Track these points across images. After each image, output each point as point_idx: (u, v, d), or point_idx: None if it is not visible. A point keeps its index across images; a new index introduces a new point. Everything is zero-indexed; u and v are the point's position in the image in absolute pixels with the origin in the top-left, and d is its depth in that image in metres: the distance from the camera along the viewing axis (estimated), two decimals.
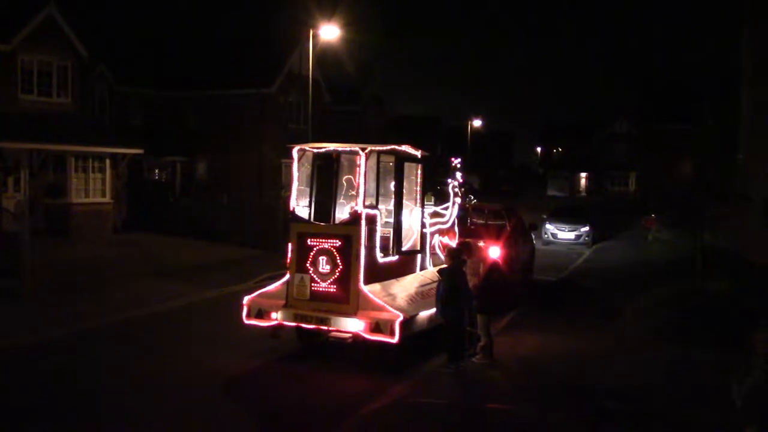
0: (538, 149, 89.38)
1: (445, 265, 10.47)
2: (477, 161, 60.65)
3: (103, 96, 30.77)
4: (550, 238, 27.71)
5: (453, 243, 12.15)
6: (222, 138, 32.34)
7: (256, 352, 10.86)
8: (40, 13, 22.63)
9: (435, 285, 10.88)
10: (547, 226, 27.94)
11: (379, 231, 10.43)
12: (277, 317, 10.24)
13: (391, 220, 11.05)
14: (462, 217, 13.74)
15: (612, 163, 70.62)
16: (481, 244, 12.45)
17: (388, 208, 11.43)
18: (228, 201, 25.06)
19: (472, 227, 15.36)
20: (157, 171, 33.33)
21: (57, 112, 23.18)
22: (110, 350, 11.21)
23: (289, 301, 10.29)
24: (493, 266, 11.02)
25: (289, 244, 10.45)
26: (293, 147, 10.89)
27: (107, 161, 23.66)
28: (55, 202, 22.50)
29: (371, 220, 10.17)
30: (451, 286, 9.82)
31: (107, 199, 23.75)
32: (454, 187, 12.53)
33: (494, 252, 13.70)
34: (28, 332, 11.90)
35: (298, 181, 10.89)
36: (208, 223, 24.58)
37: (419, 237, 11.65)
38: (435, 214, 12.32)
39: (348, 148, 10.77)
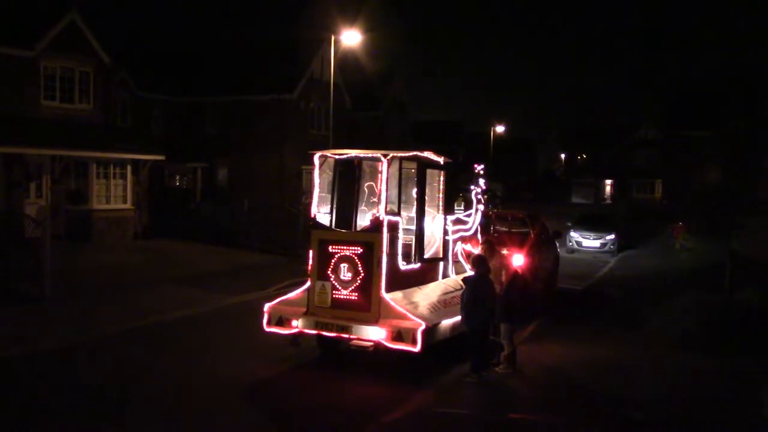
0: (562, 156, 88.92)
1: (470, 274, 10.44)
2: (500, 168, 60.37)
3: (125, 102, 31.15)
4: (575, 246, 27.56)
5: (476, 250, 12.14)
6: (243, 144, 32.56)
7: (277, 360, 10.88)
8: (63, 19, 22.94)
9: (458, 293, 10.87)
10: (572, 233, 27.80)
11: (401, 238, 10.42)
12: (297, 325, 10.27)
13: (413, 227, 11.05)
14: (485, 225, 13.70)
15: (637, 170, 70.05)
16: (504, 251, 12.42)
17: (410, 215, 11.41)
18: (248, 207, 25.18)
19: (496, 235, 15.32)
20: (178, 177, 33.65)
21: (79, 118, 23.47)
22: (131, 356, 11.29)
23: (310, 309, 10.32)
24: (517, 274, 10.99)
25: (310, 251, 10.47)
26: (314, 153, 10.95)
27: (128, 167, 23.92)
28: (76, 209, 22.77)
29: (393, 228, 10.18)
30: (477, 295, 9.80)
31: (128, 205, 24.00)
32: (477, 193, 12.51)
33: (518, 260, 13.64)
34: (48, 337, 12.03)
35: (320, 187, 10.93)
36: (229, 230, 24.75)
37: (442, 244, 11.63)
38: (457, 221, 12.29)
39: (370, 155, 10.79)
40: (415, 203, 11.10)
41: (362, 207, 11.48)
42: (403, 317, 9.73)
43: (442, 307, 10.62)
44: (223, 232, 24.73)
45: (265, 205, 26.74)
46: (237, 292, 16.67)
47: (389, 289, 10.02)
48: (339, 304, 10.15)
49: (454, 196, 12.26)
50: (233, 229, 24.82)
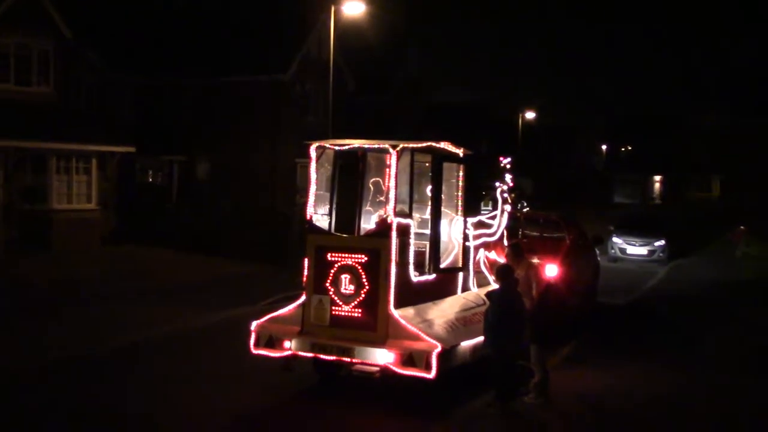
0: (604, 147, 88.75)
1: (494, 287, 10.41)
2: (530, 161, 60.26)
3: (90, 85, 31.19)
4: (618, 253, 27.51)
5: (501, 259, 12.09)
6: (227, 134, 32.59)
7: (267, 387, 10.88)
8: None
9: (479, 309, 10.86)
10: (615, 239, 27.75)
11: (413, 244, 10.41)
12: (290, 346, 10.26)
13: (428, 231, 11.03)
14: (512, 228, 13.67)
15: (692, 165, 69.87)
16: (535, 260, 12.37)
17: (423, 217, 11.39)
18: (234, 208, 25.29)
19: (525, 240, 15.28)
20: (151, 172, 33.71)
21: (36, 103, 23.55)
22: (94, 386, 11.28)
23: (305, 328, 10.31)
24: (550, 287, 10.97)
25: (306, 260, 10.46)
26: (311, 144, 10.94)
27: (94, 161, 24.01)
28: (33, 209, 22.83)
29: (404, 232, 10.16)
30: (503, 311, 9.76)
31: (93, 205, 24.09)
32: (502, 192, 12.48)
33: (551, 270, 13.57)
34: None
35: (317, 184, 10.92)
36: (211, 234, 24.82)
37: (461, 252, 11.61)
38: (480, 225, 12.28)
39: (376, 146, 10.78)
40: (429, 203, 11.08)
41: (367, 207, 11.47)
42: (415, 338, 9.70)
43: (462, 325, 10.59)
44: (204, 237, 24.79)
45: (253, 205, 26.85)
46: (219, 308, 16.69)
47: (399, 305, 10.00)
48: (339, 322, 10.13)
49: (476, 194, 12.24)
50: (216, 234, 24.88)
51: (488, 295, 10.29)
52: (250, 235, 24.27)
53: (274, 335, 10.41)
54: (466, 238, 11.70)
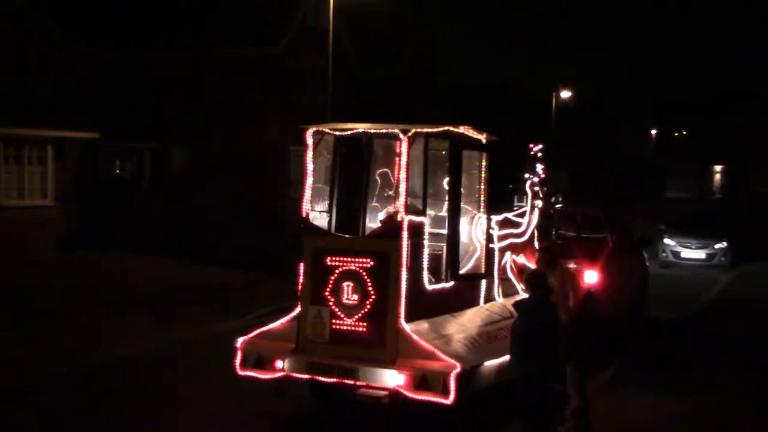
0: (653, 132, 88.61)
1: (523, 297, 10.42)
2: (566, 148, 60.14)
3: (44, 57, 31.20)
4: (671, 257, 27.46)
5: (532, 264, 12.10)
6: (208, 118, 32.63)
7: (255, 416, 10.94)
8: None
9: (506, 323, 10.88)
10: (666, 241, 27.70)
11: (427, 246, 10.46)
12: (283, 367, 10.30)
13: (445, 231, 11.08)
14: (544, 228, 13.69)
15: (761, 151, 69.64)
16: (571, 265, 12.38)
17: (439, 214, 11.44)
18: (216, 204, 25.39)
19: (559, 242, 15.31)
20: (119, 163, 33.80)
21: None
22: (52, 414, 11.34)
23: (301, 345, 10.36)
24: (589, 297, 10.99)
25: (301, 265, 10.52)
26: (307, 129, 10.97)
27: (50, 149, 24.06)
28: None
29: (417, 231, 10.20)
30: (533, 326, 9.76)
31: (49, 201, 24.15)
32: (533, 185, 12.50)
33: (590, 277, 13.59)
34: None
35: (314, 176, 10.95)
36: (190, 235, 24.89)
37: (484, 255, 11.64)
38: (507, 223, 12.32)
39: (384, 131, 10.82)
40: (446, 198, 11.14)
41: (373, 203, 11.52)
42: (430, 356, 9.73)
43: (485, 342, 10.64)
44: (182, 239, 24.88)
45: (239, 201, 26.91)
46: (200, 322, 16.77)
47: (411, 317, 10.05)
48: (341, 338, 10.18)
49: (502, 187, 12.26)
50: (196, 235, 24.95)
51: (516, 306, 10.26)
52: (236, 236, 24.38)
53: (264, 354, 10.45)
54: (489, 239, 11.73)
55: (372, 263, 10.13)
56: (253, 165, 31.92)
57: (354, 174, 11.30)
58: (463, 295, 11.27)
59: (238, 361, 10.58)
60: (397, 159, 10.35)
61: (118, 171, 33.63)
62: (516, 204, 12.69)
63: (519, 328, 9.83)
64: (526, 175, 12.56)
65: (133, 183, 32.76)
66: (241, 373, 10.59)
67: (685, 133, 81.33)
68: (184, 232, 25.12)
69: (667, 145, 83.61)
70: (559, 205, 15.60)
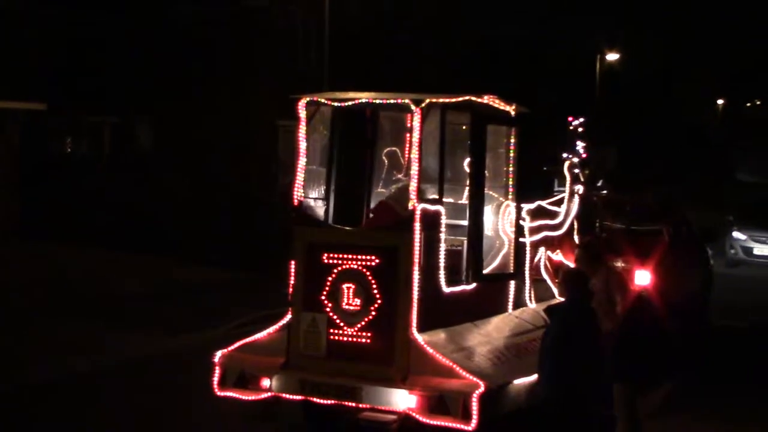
0: (720, 103, 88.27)
1: (559, 301, 10.42)
2: (613, 122, 59.92)
3: None
4: (740, 254, 27.35)
5: (570, 262, 12.11)
6: (180, 85, 32.58)
7: None
8: None
9: (538, 333, 10.84)
10: (736, 235, 27.57)
11: (445, 241, 10.48)
12: (270, 386, 10.32)
13: (466, 222, 11.12)
14: (586, 218, 13.69)
15: None
16: (618, 264, 12.39)
17: (459, 202, 11.49)
18: (190, 189, 25.37)
19: (604, 235, 15.30)
20: (71, 139, 33.77)
21: None
22: None
23: (292, 359, 10.37)
24: (641, 302, 10.98)
25: (293, 263, 10.54)
26: (299, 99, 10.97)
27: None
28: None
29: (432, 223, 10.21)
30: (570, 336, 9.77)
31: None
32: (572, 166, 12.49)
33: (642, 278, 13.59)
34: None
35: (308, 156, 10.94)
36: (160, 226, 24.87)
37: (513, 251, 11.67)
38: (540, 213, 12.34)
39: (392, 101, 10.81)
40: (467, 182, 11.17)
41: (379, 189, 11.60)
42: (447, 373, 9.74)
43: (514, 356, 10.67)
44: (149, 231, 24.86)
45: (217, 185, 26.90)
46: (171, 331, 16.81)
47: (425, 326, 10.06)
48: (340, 352, 10.19)
49: (535, 170, 12.26)
50: (165, 226, 24.95)
51: (548, 311, 10.28)
52: (214, 228, 24.35)
53: (248, 370, 10.46)
54: (519, 231, 11.75)
55: (378, 261, 10.12)
56: (235, 144, 31.91)
57: (356, 153, 11.35)
58: (488, 300, 11.29)
59: (216, 379, 10.56)
60: (408, 135, 10.37)
61: (70, 149, 33.53)
62: (557, 189, 12.66)
63: (551, 339, 9.81)
64: (565, 155, 12.57)
65: (90, 163, 32.68)
66: (219, 393, 10.58)
67: (759, 103, 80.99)
68: (152, 223, 25.09)
69: (737, 118, 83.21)
70: (604, 191, 15.53)
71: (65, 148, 33.41)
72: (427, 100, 10.27)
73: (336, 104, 11.06)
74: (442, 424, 9.63)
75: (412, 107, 10.18)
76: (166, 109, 33.02)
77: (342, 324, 10.21)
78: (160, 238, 24.59)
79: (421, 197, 10.17)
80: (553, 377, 9.72)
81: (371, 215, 11.10)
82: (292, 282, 10.54)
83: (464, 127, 11.21)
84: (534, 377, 10.26)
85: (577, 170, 12.54)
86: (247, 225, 23.95)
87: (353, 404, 10.10)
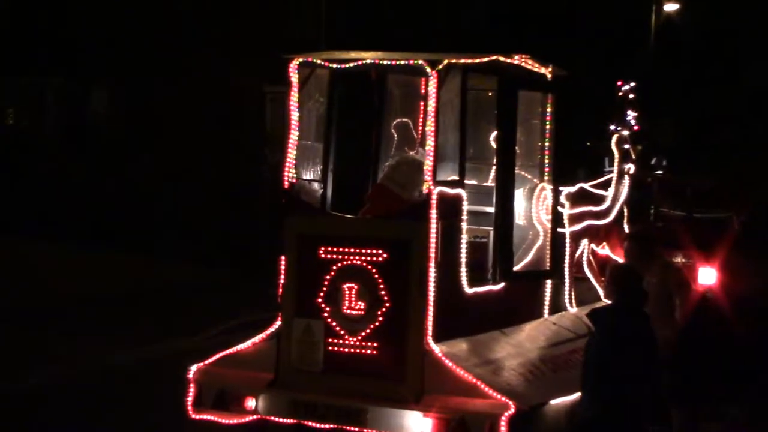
0: None
1: (604, 304, 10.41)
2: (671, 88, 59.67)
3: None
4: None
5: (619, 257, 12.11)
6: (144, 43, 32.61)
7: None
8: None
9: (580, 343, 10.82)
10: None
11: (467, 232, 10.51)
12: (256, 407, 10.34)
13: (492, 209, 11.12)
14: (638, 204, 13.68)
15: None
16: (678, 259, 12.38)
17: (484, 184, 11.53)
18: (157, 169, 25.37)
19: (660, 225, 15.28)
20: (12, 110, 33.75)
21: None
22: None
23: (282, 375, 10.38)
24: (705, 306, 10.98)
25: (282, 259, 10.56)
26: (291, 59, 10.95)
27: None
28: None
29: (451, 209, 10.21)
30: (617, 345, 9.76)
31: None
32: (622, 141, 12.48)
33: (706, 277, 13.57)
34: None
35: (301, 129, 10.92)
36: (121, 216, 24.88)
37: (549, 244, 11.68)
38: (583, 198, 12.35)
39: (402, 61, 10.82)
40: (494, 161, 11.19)
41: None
42: (470, 391, 9.73)
43: (550, 371, 10.70)
44: (108, 221, 24.89)
45: (193, 166, 26.91)
46: (135, 341, 16.88)
47: (443, 335, 10.06)
48: (340, 366, 10.19)
49: (576, 146, 12.23)
50: (130, 215, 24.97)
51: (592, 315, 10.24)
52: (190, 218, 24.36)
53: (229, 388, 10.47)
54: (558, 220, 11.76)
55: (386, 256, 10.08)
56: (212, 113, 31.89)
57: (359, 126, 11.33)
58: (519, 303, 11.32)
59: (190, 398, 10.58)
60: (422, 104, 10.35)
61: (6, 120, 33.46)
62: (606, 169, 12.61)
63: (596, 350, 9.79)
64: (612, 127, 12.52)
65: (31, 137, 32.55)
66: (194, 415, 10.60)
67: None
68: (115, 213, 25.12)
69: None
70: (659, 171, 15.49)
71: (7, 119, 33.34)
72: (446, 61, 10.22)
73: (335, 66, 11.03)
74: None
75: (427, 69, 10.13)
76: (127, 71, 32.95)
77: (342, 332, 10.18)
78: (123, 230, 24.59)
79: (438, 179, 10.16)
80: (597, 396, 9.72)
81: (367, 202, 11.05)
82: (281, 281, 10.54)
83: (490, 94, 11.22)
84: (575, 396, 10.24)
85: (627, 146, 12.50)
86: (228, 214, 23.92)
87: (356, 429, 10.12)
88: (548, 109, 11.57)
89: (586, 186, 12.63)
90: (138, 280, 21.75)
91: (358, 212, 11.00)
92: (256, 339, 10.77)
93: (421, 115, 10.48)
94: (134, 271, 22.47)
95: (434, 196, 9.99)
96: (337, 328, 10.20)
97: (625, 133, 12.47)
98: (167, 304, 19.74)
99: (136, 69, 32.52)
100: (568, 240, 11.97)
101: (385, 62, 10.92)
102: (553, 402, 10.27)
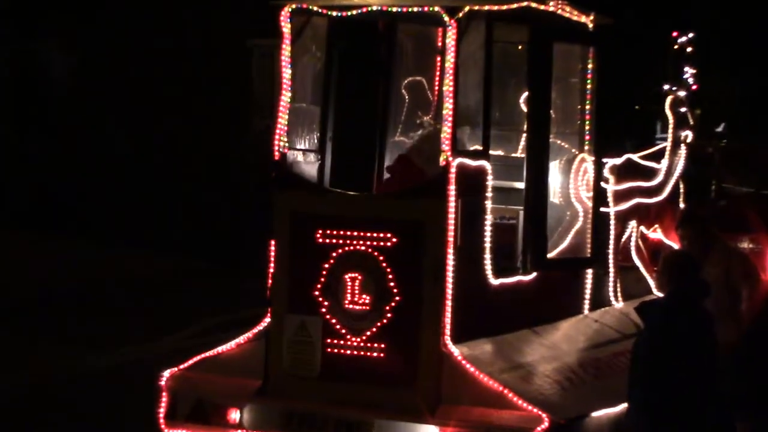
0: None
1: (656, 297, 10.40)
2: (736, 40, 59.44)
3: None
4: None
5: (674, 243, 12.09)
6: None
7: None
8: None
9: (627, 344, 10.82)
10: None
11: (492, 212, 10.50)
12: (241, 420, 10.37)
13: (521, 185, 11.15)
14: (697, 178, 13.67)
15: None
16: (745, 245, 12.39)
17: (513, 155, 11.53)
18: (130, 143, 25.46)
19: (722, 203, 15.25)
20: None
21: None
22: None
23: (272, 382, 10.41)
24: None
25: (272, 244, 10.56)
26: (282, 6, 10.91)
27: None
28: None
29: (473, 185, 10.22)
30: (671, 347, 9.75)
31: None
32: (677, 103, 12.44)
33: None
34: None
35: (294, 89, 10.93)
36: (83, 197, 24.92)
37: (591, 227, 11.67)
38: (631, 171, 12.34)
39: (416, 8, 10.81)
40: (525, 128, 11.19)
41: (396, 137, 11.67)
42: (495, 401, 9.76)
43: (591, 377, 10.73)
44: (62, 201, 24.94)
45: (165, 136, 26.92)
46: (103, 342, 16.95)
47: (464, 334, 10.10)
48: (341, 371, 10.23)
49: (623, 108, 12.20)
50: (91, 196, 25.01)
51: (642, 311, 10.22)
52: (163, 197, 24.39)
53: (208, 398, 10.52)
54: (601, 198, 11.75)
55: (395, 240, 10.10)
56: (190, 74, 31.87)
57: (363, 86, 11.30)
58: (554, 296, 11.33)
59: (162, 410, 10.61)
60: (439, 59, 10.31)
61: None
62: (658, 137, 12.56)
63: (645, 350, 9.78)
64: (666, 87, 12.48)
65: None
66: (167, 430, 10.62)
67: None
68: (76, 193, 25.17)
69: None
70: (723, 140, 15.42)
71: None
72: (467, 8, 10.21)
73: (335, 14, 11.01)
74: None
75: (445, 18, 10.14)
76: (90, 26, 32.99)
77: (344, 331, 10.21)
78: (88, 214, 24.62)
79: (458, 148, 10.16)
80: (647, 408, 9.71)
81: (387, 176, 11.04)
82: (271, 271, 10.55)
83: (520, 47, 11.19)
84: (621, 408, 10.26)
85: (684, 109, 12.45)
86: (208, 192, 23.92)
87: None
88: (589, 65, 11.55)
89: (635, 157, 12.57)
90: (101, 273, 21.80)
91: (362, 189, 10.99)
92: (241, 339, 10.81)
93: (438, 73, 10.42)
94: (96, 263, 22.51)
95: (453, 169, 9.98)
96: (338, 327, 10.23)
97: (682, 93, 12.41)
98: (135, 300, 19.81)
99: (96, 24, 32.57)
100: (612, 221, 11.96)
101: (394, 9, 10.94)
102: (594, 414, 10.29)
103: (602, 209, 11.75)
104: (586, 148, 11.61)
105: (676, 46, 12.39)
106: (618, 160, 12.18)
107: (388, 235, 10.13)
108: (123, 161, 26.91)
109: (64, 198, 25.43)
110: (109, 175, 26.01)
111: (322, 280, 10.26)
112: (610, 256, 11.98)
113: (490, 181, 10.44)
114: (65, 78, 33.51)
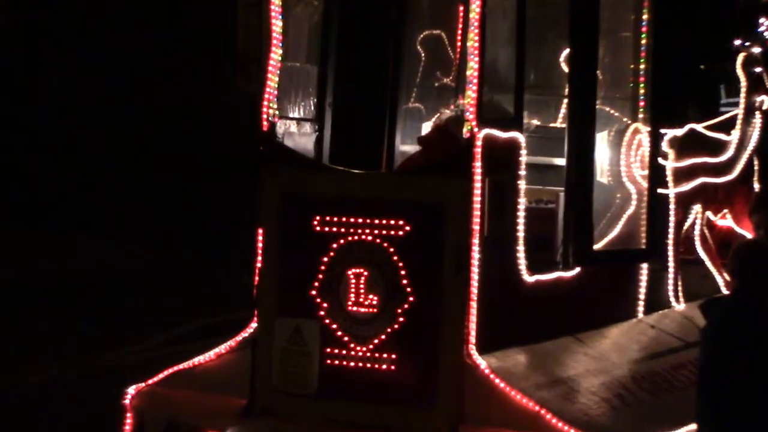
0: None
1: (723, 295, 10.30)
2: None
3: None
4: None
5: (747, 232, 12.02)
6: None
7: None
8: None
9: (690, 354, 10.78)
10: None
11: (526, 194, 10.47)
12: None
13: (562, 161, 11.13)
14: None
15: None
16: None
17: (552, 125, 11.54)
18: (95, 117, 25.54)
19: None
20: None
21: None
22: None
23: (261, 399, 10.38)
24: None
25: (260, 232, 10.48)
26: None
27: None
28: None
29: (503, 160, 10.19)
30: (742, 354, 9.64)
31: None
32: (750, 62, 12.38)
33: None
34: None
35: (285, 46, 10.86)
36: (26, 175, 25.07)
37: (646, 212, 11.60)
38: (695, 144, 12.30)
39: None
40: (566, 92, 11.17)
41: (411, 104, 11.67)
42: (530, 423, 9.67)
43: (648, 394, 10.68)
44: (27, 189, 25.12)
45: (138, 107, 27.04)
46: (55, 350, 17.01)
47: (492, 342, 10.07)
48: (344, 386, 10.19)
49: (685, 69, 12.14)
50: (54, 181, 25.15)
51: (707, 309, 10.12)
52: (135, 180, 24.50)
53: (183, 418, 10.52)
54: (658, 177, 11.70)
55: (408, 229, 10.04)
56: (162, 29, 31.95)
57: (370, 42, 11.25)
58: (602, 297, 11.30)
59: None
60: (462, 8, 10.23)
61: None
62: (724, 101, 12.49)
63: (708, 357, 9.68)
64: (737, 43, 12.40)
65: None
66: None
67: None
68: (36, 176, 25.33)
69: None
70: None
71: None
72: None
73: None
74: None
75: None
76: None
77: (346, 338, 10.15)
78: (46, 199, 24.78)
79: (485, 117, 10.04)
80: (715, 421, 9.62)
81: (419, 150, 10.93)
82: (258, 265, 10.49)
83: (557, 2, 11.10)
84: (686, 430, 10.20)
85: (758, 69, 12.37)
86: (183, 171, 23.99)
87: None
88: (644, 17, 11.50)
89: (699, 128, 12.51)
90: (65, 266, 21.89)
91: (368, 167, 10.91)
92: (221, 348, 10.74)
93: (460, 26, 10.32)
94: (59, 253, 22.67)
95: (479, 142, 9.89)
96: (339, 333, 10.16)
97: (756, 50, 12.32)
98: (97, 300, 19.92)
99: None
100: (673, 206, 11.94)
101: None
102: None
103: (660, 191, 11.70)
104: (641, 116, 11.57)
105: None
106: (679, 131, 12.14)
107: (400, 222, 10.05)
108: (81, 133, 27.01)
109: (25, 180, 25.59)
110: (67, 150, 26.11)
111: (321, 276, 10.19)
112: (670, 248, 11.93)
113: (524, 157, 10.40)
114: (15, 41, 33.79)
